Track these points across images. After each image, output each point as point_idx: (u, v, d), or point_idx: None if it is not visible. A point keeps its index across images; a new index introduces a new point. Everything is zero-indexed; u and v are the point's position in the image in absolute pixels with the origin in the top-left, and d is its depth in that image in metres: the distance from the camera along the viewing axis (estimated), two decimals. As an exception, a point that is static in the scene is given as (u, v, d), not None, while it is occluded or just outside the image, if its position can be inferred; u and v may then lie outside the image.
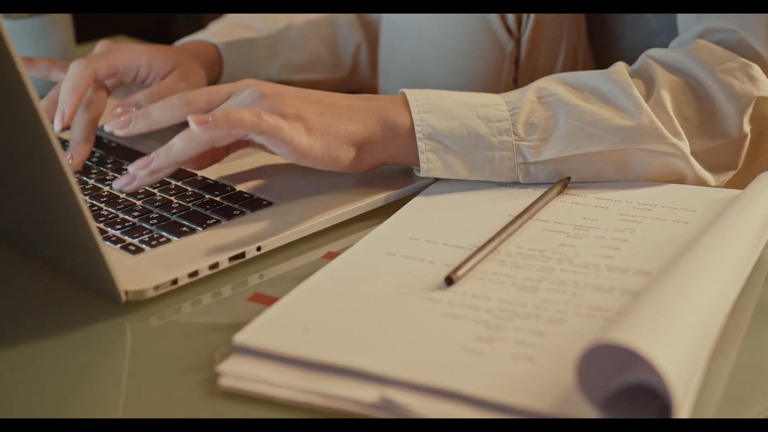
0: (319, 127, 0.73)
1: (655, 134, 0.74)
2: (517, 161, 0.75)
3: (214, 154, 0.77)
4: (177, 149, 0.71)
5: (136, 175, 0.72)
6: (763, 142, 0.80)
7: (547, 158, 0.75)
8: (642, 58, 0.81)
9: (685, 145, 0.75)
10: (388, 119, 0.75)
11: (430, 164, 0.75)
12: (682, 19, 0.86)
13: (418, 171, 0.76)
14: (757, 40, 0.79)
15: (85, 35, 1.20)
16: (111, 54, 0.84)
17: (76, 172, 0.80)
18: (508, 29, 0.94)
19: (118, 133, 0.73)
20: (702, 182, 0.77)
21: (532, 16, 0.94)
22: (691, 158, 0.76)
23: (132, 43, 0.88)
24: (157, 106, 0.73)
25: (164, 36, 2.19)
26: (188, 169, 0.76)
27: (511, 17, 0.93)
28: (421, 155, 0.75)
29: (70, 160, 0.78)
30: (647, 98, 0.77)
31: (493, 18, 0.93)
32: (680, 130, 0.76)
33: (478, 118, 0.75)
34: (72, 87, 0.79)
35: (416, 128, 0.74)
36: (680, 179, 0.77)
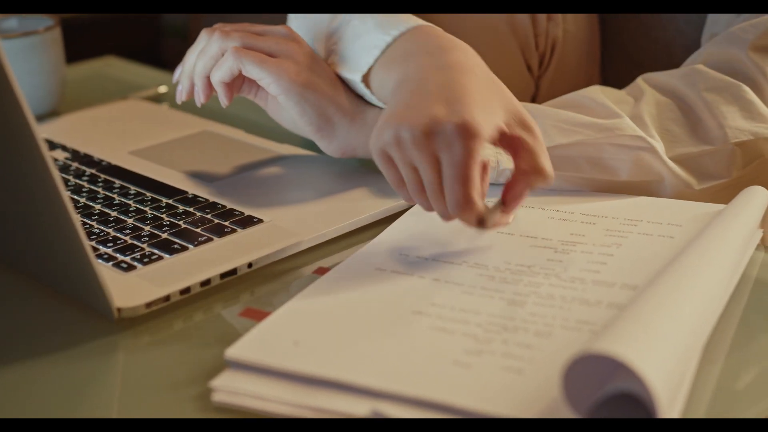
0: (307, 76, 0.78)
1: (626, 127, 0.77)
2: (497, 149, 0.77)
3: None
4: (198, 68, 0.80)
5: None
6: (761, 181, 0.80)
7: None
8: (635, 81, 0.83)
9: (657, 143, 0.77)
10: (369, 108, 0.80)
11: None
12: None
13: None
14: (753, 66, 0.80)
15: (74, 55, 1.20)
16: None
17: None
18: (529, 68, 0.96)
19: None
20: (683, 185, 0.78)
21: (555, 58, 0.96)
22: (664, 156, 0.77)
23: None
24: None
25: (153, 57, 2.20)
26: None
27: (533, 57, 0.96)
28: None
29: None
30: (631, 110, 0.79)
31: (518, 58, 0.95)
32: (654, 134, 0.78)
33: None
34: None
35: None
36: (659, 180, 0.78)
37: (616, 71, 1.03)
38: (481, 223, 0.67)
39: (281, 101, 0.79)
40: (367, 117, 0.79)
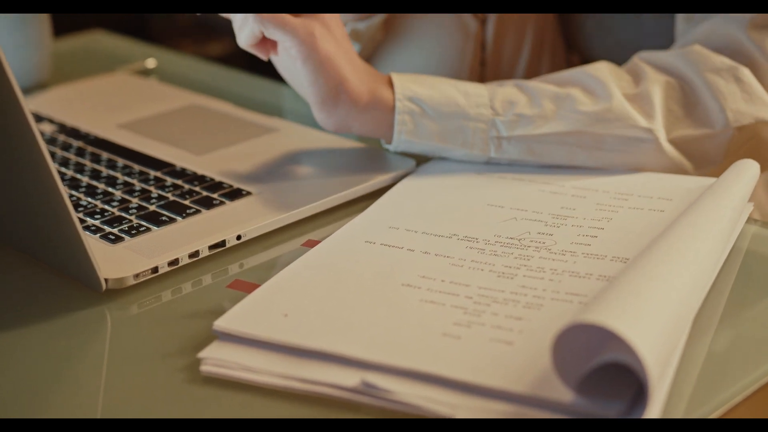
0: (331, 48, 0.75)
1: (626, 117, 0.76)
2: (490, 135, 0.77)
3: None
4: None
5: None
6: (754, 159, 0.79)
7: (521, 134, 0.77)
8: (632, 59, 0.82)
9: (659, 131, 0.76)
10: (376, 92, 0.77)
11: (404, 127, 0.77)
12: (680, 20, 0.87)
13: (388, 144, 0.79)
14: (752, 45, 0.79)
15: (61, 28, 1.19)
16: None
17: None
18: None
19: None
20: (680, 170, 0.77)
21: None
22: (665, 144, 0.76)
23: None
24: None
25: (140, 30, 2.18)
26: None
27: None
28: (397, 116, 0.77)
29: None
30: (635, 89, 0.78)
31: None
32: (659, 118, 0.76)
33: (458, 91, 0.78)
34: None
35: (396, 90, 0.77)
36: (655, 167, 0.77)
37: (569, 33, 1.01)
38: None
39: (297, 65, 0.75)
40: (376, 105, 0.78)
